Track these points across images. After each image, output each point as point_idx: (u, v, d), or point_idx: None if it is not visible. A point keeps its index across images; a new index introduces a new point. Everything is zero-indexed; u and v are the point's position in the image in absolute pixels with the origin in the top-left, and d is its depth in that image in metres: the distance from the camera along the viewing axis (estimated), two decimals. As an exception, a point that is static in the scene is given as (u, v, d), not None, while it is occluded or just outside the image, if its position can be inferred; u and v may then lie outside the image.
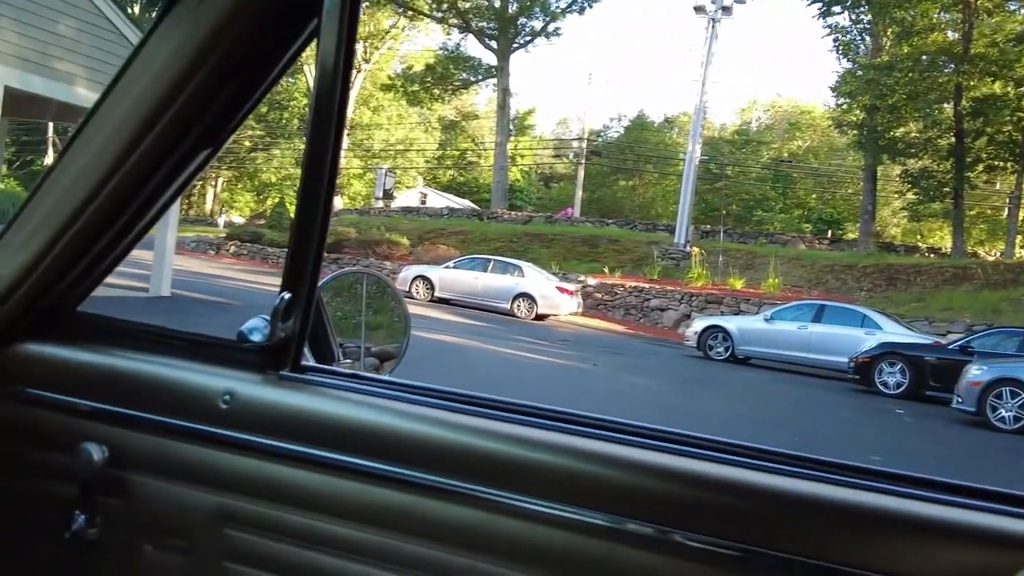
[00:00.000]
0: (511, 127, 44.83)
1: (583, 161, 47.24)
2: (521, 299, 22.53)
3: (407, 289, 23.12)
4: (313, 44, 1.27)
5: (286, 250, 1.30)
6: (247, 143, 45.51)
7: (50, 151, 44.30)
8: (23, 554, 1.45)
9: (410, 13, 43.28)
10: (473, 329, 17.55)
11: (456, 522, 1.16)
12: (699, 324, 19.15)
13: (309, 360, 1.40)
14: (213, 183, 47.90)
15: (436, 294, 23.10)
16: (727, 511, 1.06)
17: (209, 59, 1.27)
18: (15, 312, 1.44)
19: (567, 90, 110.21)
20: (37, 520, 1.42)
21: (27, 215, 1.41)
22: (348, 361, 1.79)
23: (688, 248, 27.86)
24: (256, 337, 1.31)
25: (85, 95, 12.49)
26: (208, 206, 47.18)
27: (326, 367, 1.43)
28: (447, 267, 23.92)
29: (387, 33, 46.00)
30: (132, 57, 1.32)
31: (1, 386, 1.45)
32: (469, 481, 1.15)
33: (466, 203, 45.15)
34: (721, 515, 1.06)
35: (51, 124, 34.38)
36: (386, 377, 1.40)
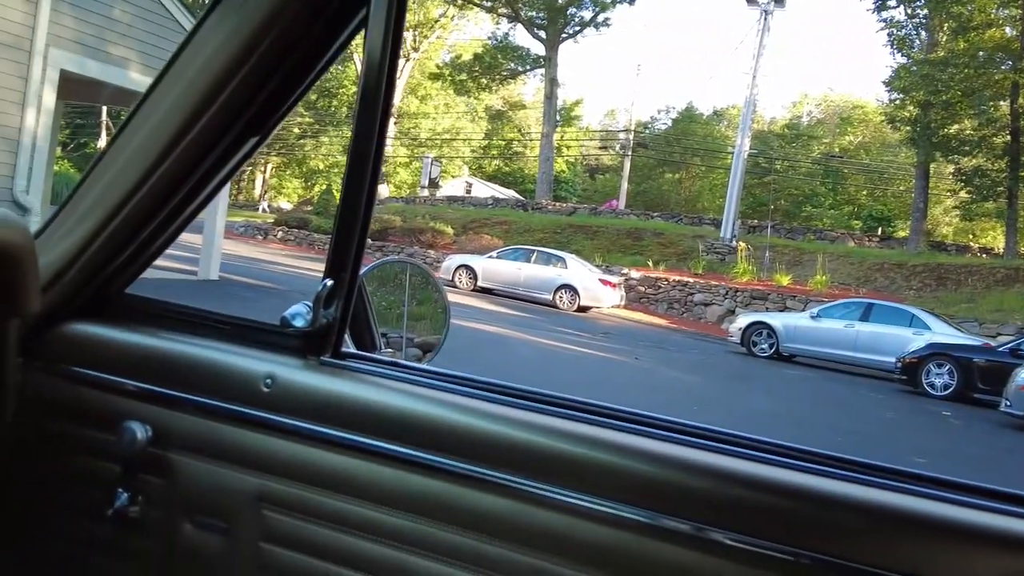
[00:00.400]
0: (558, 117, 44.65)
1: (629, 153, 46.97)
2: (564, 291, 22.49)
3: (450, 278, 23.22)
4: (361, 34, 1.29)
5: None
6: (296, 130, 45.89)
7: (103, 134, 45.08)
8: (66, 529, 1.48)
9: (460, 2, 43.31)
10: (515, 320, 17.57)
11: (491, 511, 1.17)
12: (743, 320, 18.93)
13: (349, 347, 1.42)
14: (262, 169, 48.39)
15: (479, 284, 23.15)
16: (765, 510, 1.06)
17: (258, 49, 1.29)
18: (65, 293, 1.47)
19: (615, 81, 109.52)
20: (81, 496, 1.45)
21: (78, 199, 1.45)
22: (390, 351, 1.80)
23: (734, 243, 27.56)
24: (299, 322, 1.34)
25: (138, 79, 12.69)
26: (257, 191, 47.73)
27: (365, 354, 1.44)
28: (490, 257, 23.96)
29: (436, 22, 46.03)
30: (183, 46, 1.35)
31: (50, 365, 1.48)
32: (505, 471, 1.16)
33: (511, 193, 45.16)
34: (759, 514, 1.06)
35: (104, 107, 34.99)
36: (424, 366, 1.41)
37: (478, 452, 1.18)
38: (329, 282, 1.31)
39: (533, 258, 23.41)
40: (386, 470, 1.23)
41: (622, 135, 51.05)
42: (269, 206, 40.45)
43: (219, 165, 1.41)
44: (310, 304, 1.34)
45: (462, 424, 1.21)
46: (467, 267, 23.64)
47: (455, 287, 22.72)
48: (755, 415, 10.63)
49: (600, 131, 58.88)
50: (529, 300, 22.35)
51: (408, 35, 41.33)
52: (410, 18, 40.91)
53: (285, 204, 43.33)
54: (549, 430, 1.18)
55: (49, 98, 11.66)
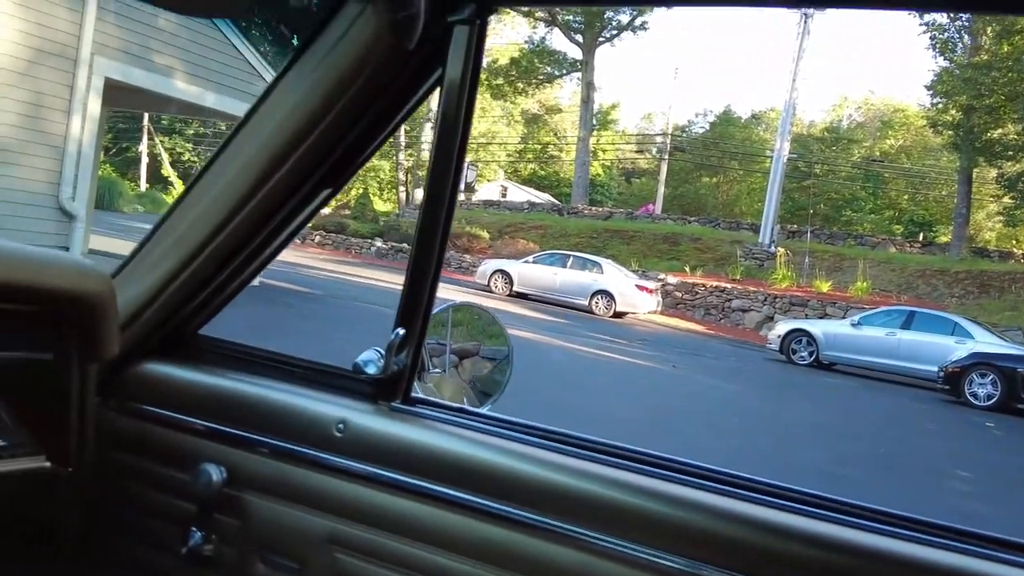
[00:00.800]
0: (594, 121, 44.60)
1: (666, 157, 46.77)
2: (600, 296, 22.43)
3: (486, 283, 23.27)
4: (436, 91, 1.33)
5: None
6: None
7: (144, 139, 45.69)
8: (140, 564, 1.52)
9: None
10: (550, 325, 17.54)
11: (556, 562, 1.18)
12: (783, 327, 18.79)
13: (418, 392, 1.44)
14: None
15: (515, 289, 23.17)
16: (822, 567, 1.05)
17: (337, 105, 1.33)
18: (141, 334, 1.52)
19: (652, 85, 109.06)
20: (155, 532, 1.50)
21: (155, 241, 1.51)
22: (438, 371, 1.81)
23: (773, 248, 27.35)
24: (371, 369, 1.38)
25: (182, 88, 12.88)
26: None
27: (434, 400, 1.46)
28: (526, 262, 23.97)
29: (473, 26, 46.02)
30: (262, 98, 1.39)
31: (125, 403, 1.53)
32: (570, 522, 1.17)
33: (546, 197, 45.15)
34: (815, 571, 1.05)
35: (146, 113, 35.49)
36: (493, 414, 1.43)
37: (544, 502, 1.20)
38: (401, 331, 1.35)
39: (569, 263, 23.38)
40: (454, 517, 1.25)
41: (659, 139, 50.84)
42: None
43: (293, 215, 1.45)
44: (381, 351, 1.38)
45: (529, 474, 1.22)
46: (503, 272, 23.66)
47: (491, 292, 22.75)
48: (795, 426, 10.52)
49: (636, 135, 58.67)
50: (565, 305, 22.32)
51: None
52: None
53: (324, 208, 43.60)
54: (615, 482, 1.18)
55: (94, 106, 11.84)
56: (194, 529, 1.41)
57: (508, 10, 43.48)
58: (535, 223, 32.61)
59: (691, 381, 13.28)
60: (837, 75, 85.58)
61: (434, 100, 1.35)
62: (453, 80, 1.28)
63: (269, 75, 14.14)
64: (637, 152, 55.12)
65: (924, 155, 45.93)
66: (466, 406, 1.51)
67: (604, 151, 52.60)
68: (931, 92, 32.05)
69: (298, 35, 1.39)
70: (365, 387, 1.40)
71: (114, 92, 12.54)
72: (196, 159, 48.65)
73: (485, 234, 29.63)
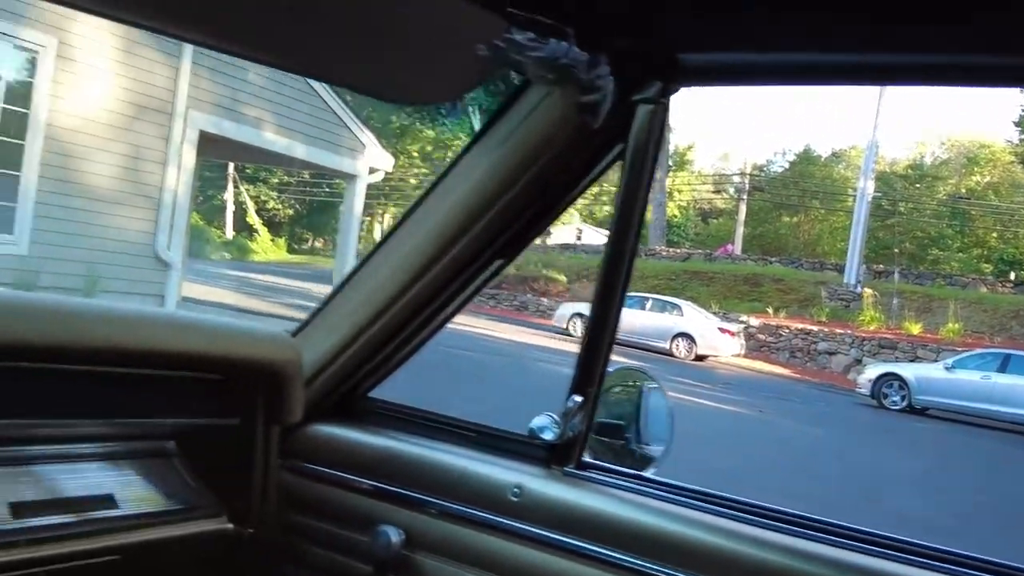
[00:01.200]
0: (670, 163, 44.50)
1: (745, 196, 46.32)
2: (680, 339, 22.18)
3: (564, 326, 23.22)
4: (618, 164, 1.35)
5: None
6: (412, 180, 46.93)
7: (230, 187, 47.00)
8: None
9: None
10: (633, 369, 17.37)
11: None
12: (873, 371, 18.31)
13: (588, 456, 1.45)
14: (380, 220, 49.65)
15: (594, 332, 22.99)
16: None
17: (520, 180, 1.36)
18: (318, 394, 1.56)
19: (729, 124, 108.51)
20: None
21: (332, 308, 1.57)
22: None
23: (859, 288, 26.70)
24: (547, 435, 1.40)
25: (272, 139, 13.26)
26: (376, 239, 48.92)
27: (606, 465, 1.46)
28: (605, 304, 23.79)
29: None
30: (447, 172, 1.44)
31: (299, 464, 1.57)
32: None
33: (623, 239, 45.01)
34: None
35: (231, 162, 36.62)
36: (663, 479, 1.43)
37: (723, 572, 1.18)
38: (577, 398, 1.36)
39: (648, 306, 23.20)
40: None
41: (736, 178, 50.45)
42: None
43: (467, 283, 1.48)
44: (554, 416, 1.39)
45: (704, 541, 1.21)
46: (581, 315, 23.53)
47: (569, 335, 22.68)
48: (888, 471, 10.22)
49: (713, 175, 58.30)
50: (645, 348, 22.08)
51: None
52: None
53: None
54: (788, 550, 1.17)
55: (188, 157, 12.28)
56: None
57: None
58: (613, 265, 32.46)
59: (779, 427, 13.00)
60: (919, 111, 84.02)
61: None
62: (636, 156, 1.29)
63: (355, 125, 14.46)
64: (714, 192, 54.73)
65: (1013, 191, 44.59)
66: (637, 471, 1.51)
67: (680, 192, 52.34)
68: (1019, 127, 31.24)
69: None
70: (539, 452, 1.40)
71: (206, 143, 12.96)
72: (280, 207, 49.86)
73: (562, 277, 29.65)
